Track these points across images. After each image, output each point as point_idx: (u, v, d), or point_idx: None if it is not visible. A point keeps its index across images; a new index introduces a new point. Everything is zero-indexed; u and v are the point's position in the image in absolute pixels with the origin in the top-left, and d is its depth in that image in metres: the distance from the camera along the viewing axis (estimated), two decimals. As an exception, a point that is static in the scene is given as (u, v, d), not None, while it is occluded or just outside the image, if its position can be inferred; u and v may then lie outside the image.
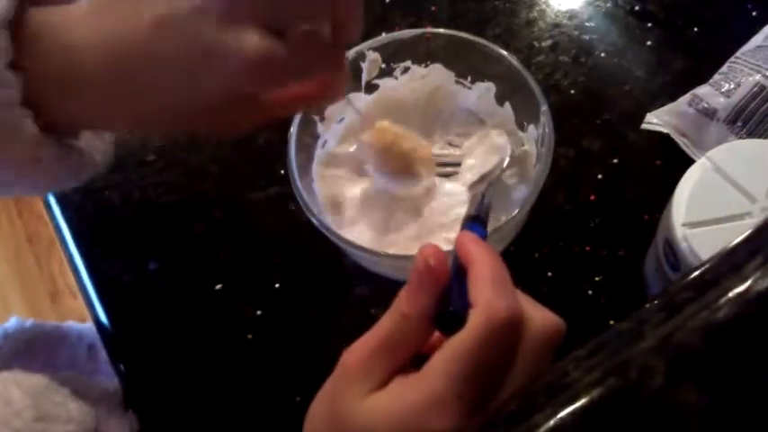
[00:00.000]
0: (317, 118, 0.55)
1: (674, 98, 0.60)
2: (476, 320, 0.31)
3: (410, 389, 0.31)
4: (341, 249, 0.53)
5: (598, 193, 0.59)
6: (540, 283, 0.56)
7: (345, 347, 0.34)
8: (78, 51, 0.38)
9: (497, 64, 0.54)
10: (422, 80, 0.58)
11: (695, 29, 0.66)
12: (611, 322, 0.53)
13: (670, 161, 0.59)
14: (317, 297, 0.57)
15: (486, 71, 0.56)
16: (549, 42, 0.67)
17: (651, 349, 0.25)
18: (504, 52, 0.53)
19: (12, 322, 0.63)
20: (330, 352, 0.34)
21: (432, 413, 0.30)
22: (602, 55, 0.65)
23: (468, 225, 0.43)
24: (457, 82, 0.58)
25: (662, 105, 0.60)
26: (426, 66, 0.57)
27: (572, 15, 0.68)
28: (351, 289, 0.57)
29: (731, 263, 0.26)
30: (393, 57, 0.56)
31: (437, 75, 0.57)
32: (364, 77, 0.56)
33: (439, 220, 0.55)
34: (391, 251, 0.51)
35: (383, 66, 0.56)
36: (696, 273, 0.27)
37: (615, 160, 0.60)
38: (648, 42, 0.66)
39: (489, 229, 0.47)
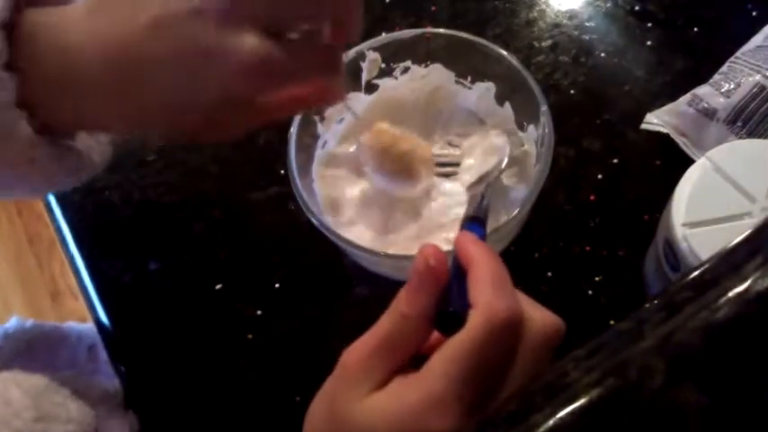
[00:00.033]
0: (317, 118, 0.55)
1: (673, 98, 0.60)
2: (475, 321, 0.31)
3: (410, 389, 0.31)
4: (341, 249, 0.53)
5: (598, 193, 0.59)
6: (539, 283, 0.56)
7: (345, 347, 0.34)
8: (75, 52, 0.38)
9: (497, 64, 0.54)
10: (422, 80, 0.58)
11: (695, 29, 0.66)
12: (611, 322, 0.53)
13: (670, 161, 0.59)
14: (316, 297, 0.57)
15: (486, 71, 0.56)
16: (548, 42, 0.67)
17: (651, 349, 0.26)
18: (504, 52, 0.53)
19: (12, 322, 0.63)
20: (330, 352, 0.34)
21: (431, 413, 0.30)
22: (602, 55, 0.66)
23: (468, 225, 0.43)
24: (457, 82, 0.58)
25: (662, 105, 0.60)
26: (426, 66, 0.57)
27: (572, 15, 0.68)
28: (351, 289, 0.57)
29: (731, 263, 0.26)
30: (393, 57, 0.56)
31: (437, 75, 0.57)
32: (364, 77, 0.56)
33: (439, 220, 0.55)
34: (391, 251, 0.51)
35: (383, 66, 0.56)
36: (696, 273, 0.27)
37: (615, 160, 0.60)
38: (648, 42, 0.66)
39: (489, 229, 0.47)
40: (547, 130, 0.50)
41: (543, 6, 0.69)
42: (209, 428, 0.53)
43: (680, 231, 0.44)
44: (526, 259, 0.57)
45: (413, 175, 0.54)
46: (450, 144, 0.59)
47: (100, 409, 0.51)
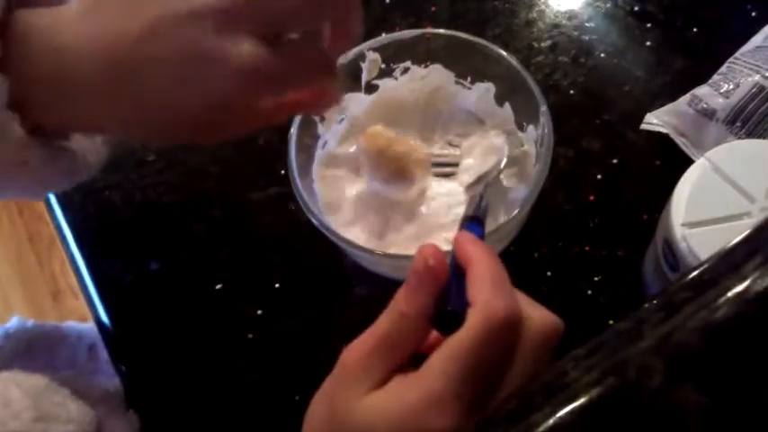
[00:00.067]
0: (317, 118, 0.55)
1: (673, 98, 0.60)
2: (474, 320, 0.31)
3: (409, 388, 0.31)
4: (341, 249, 0.53)
5: (597, 193, 0.59)
6: (539, 282, 0.56)
7: (345, 347, 0.34)
8: (68, 53, 0.38)
9: (497, 64, 0.54)
10: (421, 81, 0.58)
11: (694, 29, 0.66)
12: (611, 322, 0.53)
13: (669, 161, 0.59)
14: (317, 297, 0.57)
15: (485, 71, 0.56)
16: (548, 43, 0.67)
17: (650, 349, 0.26)
18: (504, 53, 0.53)
19: (13, 322, 0.63)
20: (330, 351, 0.34)
21: (431, 412, 0.30)
22: (602, 55, 0.66)
23: (467, 225, 0.43)
24: (456, 82, 0.58)
25: (661, 106, 0.60)
26: (426, 66, 0.57)
27: (571, 16, 0.68)
28: (351, 289, 0.57)
29: (730, 263, 0.26)
30: (393, 57, 0.56)
31: (437, 75, 0.58)
32: (364, 78, 0.56)
33: (438, 220, 0.55)
34: (391, 251, 0.52)
35: (383, 66, 0.56)
36: (695, 273, 0.27)
37: (615, 160, 0.60)
38: (648, 43, 0.66)
39: (488, 229, 0.47)
40: (546, 131, 0.50)
41: (543, 7, 0.69)
42: (210, 427, 0.53)
43: (679, 231, 0.44)
44: (526, 259, 0.57)
45: (408, 177, 0.54)
46: (450, 144, 0.59)
47: (100, 408, 0.51)
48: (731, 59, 0.58)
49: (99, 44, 0.38)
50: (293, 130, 0.52)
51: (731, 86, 0.55)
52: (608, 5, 0.68)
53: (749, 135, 0.55)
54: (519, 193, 0.55)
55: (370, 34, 0.56)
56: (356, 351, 0.33)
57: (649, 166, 0.60)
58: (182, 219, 0.61)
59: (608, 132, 0.62)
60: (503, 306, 0.31)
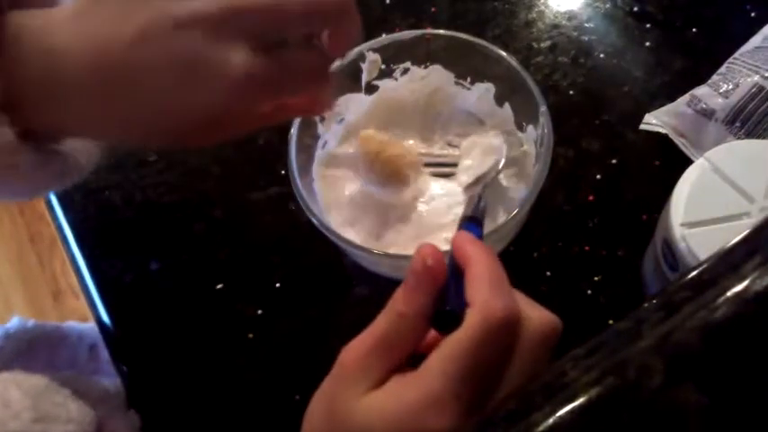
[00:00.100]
0: (317, 119, 0.55)
1: (672, 99, 0.60)
2: (473, 320, 0.31)
3: (408, 388, 0.32)
4: (341, 249, 0.53)
5: (597, 194, 0.59)
6: (539, 282, 0.56)
7: (344, 347, 0.34)
8: (60, 55, 0.38)
9: (497, 65, 0.54)
10: (421, 81, 0.58)
11: (694, 30, 0.66)
12: (610, 322, 0.53)
13: (669, 161, 0.59)
14: (317, 297, 0.57)
15: (485, 72, 0.56)
16: (548, 43, 0.67)
17: (649, 349, 0.26)
18: (504, 53, 0.53)
19: (14, 322, 0.63)
20: (330, 351, 0.34)
21: (429, 412, 0.31)
22: (601, 56, 0.66)
23: (465, 225, 0.43)
24: (456, 83, 0.58)
25: (661, 106, 0.61)
26: (426, 67, 0.57)
27: (571, 16, 0.68)
28: (351, 289, 0.57)
29: (729, 263, 0.26)
30: (393, 58, 0.56)
31: (437, 76, 0.58)
32: (364, 78, 0.57)
33: (438, 220, 0.55)
34: (391, 251, 0.52)
35: (383, 67, 0.56)
36: (694, 272, 0.27)
37: (614, 160, 0.60)
38: (647, 43, 0.66)
39: (488, 229, 0.47)
40: (546, 131, 0.50)
41: (542, 7, 0.69)
42: (210, 427, 0.53)
43: (678, 231, 0.44)
44: (525, 259, 0.57)
45: (402, 179, 0.54)
46: (450, 145, 0.59)
47: (100, 408, 0.51)
48: (730, 60, 0.58)
49: (90, 47, 0.37)
50: (293, 131, 0.52)
51: (730, 87, 0.55)
52: (607, 6, 0.68)
53: (748, 135, 0.55)
54: (518, 193, 0.55)
55: (370, 35, 0.56)
56: (354, 351, 0.33)
57: (649, 166, 0.60)
58: (182, 219, 0.61)
59: (607, 133, 0.62)
60: (501, 306, 0.31)
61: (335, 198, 0.56)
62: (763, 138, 0.54)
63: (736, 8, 0.67)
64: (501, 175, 0.56)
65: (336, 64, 0.52)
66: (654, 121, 0.60)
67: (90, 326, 0.70)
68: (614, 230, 0.57)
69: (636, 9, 0.68)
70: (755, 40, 0.59)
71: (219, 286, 0.58)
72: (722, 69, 0.58)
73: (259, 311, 0.57)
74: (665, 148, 0.59)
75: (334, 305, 0.56)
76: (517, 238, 0.54)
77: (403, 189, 0.55)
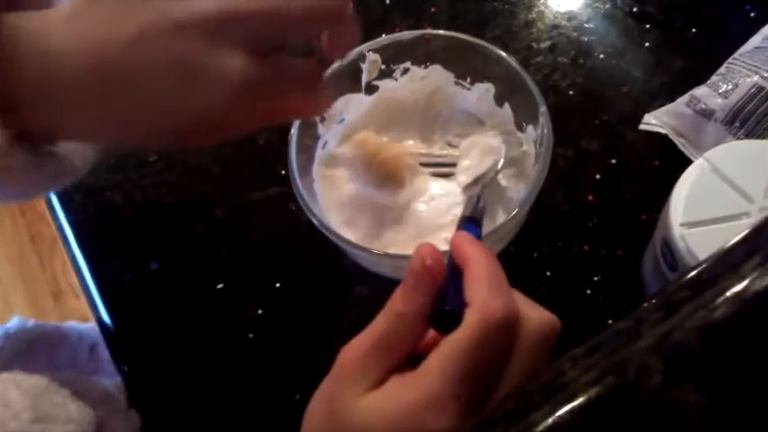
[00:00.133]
0: (317, 119, 0.55)
1: (672, 99, 0.60)
2: (472, 320, 0.31)
3: (407, 388, 0.32)
4: (341, 249, 0.53)
5: (596, 193, 0.59)
6: (538, 282, 0.56)
7: (343, 347, 0.34)
8: (56, 56, 0.38)
9: (496, 65, 0.54)
10: (421, 81, 0.58)
11: (693, 30, 0.66)
12: (610, 321, 0.53)
13: (668, 161, 0.59)
14: (317, 297, 0.57)
15: (485, 72, 0.56)
16: (547, 43, 0.67)
17: (649, 348, 0.26)
18: (503, 53, 0.53)
19: (14, 322, 0.63)
20: (330, 351, 0.34)
21: (429, 412, 0.31)
22: (601, 56, 0.66)
23: (464, 225, 0.43)
24: (456, 83, 0.58)
25: (660, 106, 0.61)
26: (426, 67, 0.57)
27: (571, 17, 0.68)
28: (351, 289, 0.57)
29: (728, 263, 0.27)
30: (393, 58, 0.56)
31: (436, 76, 0.58)
32: (364, 79, 0.57)
33: (437, 220, 0.55)
34: (391, 251, 0.52)
35: (383, 67, 0.57)
36: (693, 272, 0.27)
37: (614, 160, 0.60)
38: (647, 43, 0.66)
39: (488, 229, 0.47)
40: (546, 131, 0.51)
41: (542, 8, 0.69)
42: (211, 426, 0.54)
43: (678, 231, 0.44)
44: (525, 259, 0.57)
45: (398, 181, 0.54)
46: (450, 145, 0.59)
47: (100, 408, 0.51)
48: (730, 60, 0.58)
49: (87, 47, 0.37)
50: (294, 131, 0.52)
51: (730, 87, 0.56)
52: (607, 6, 0.68)
53: (748, 135, 0.55)
54: (518, 193, 0.55)
55: (369, 35, 0.56)
56: (354, 351, 0.33)
57: (648, 166, 0.60)
58: (182, 219, 0.61)
59: (607, 133, 0.62)
60: (500, 306, 0.31)
61: (335, 198, 0.56)
62: (763, 138, 0.54)
63: (735, 8, 0.67)
64: (500, 176, 0.56)
65: (336, 65, 0.52)
66: (653, 121, 0.60)
67: (90, 326, 0.70)
68: (614, 230, 0.57)
69: (635, 9, 0.68)
70: (755, 41, 0.59)
71: (220, 286, 0.58)
72: (722, 70, 0.58)
73: (259, 311, 0.57)
74: (665, 148, 0.59)
75: (335, 305, 0.56)
76: (517, 238, 0.54)
77: (400, 190, 0.55)
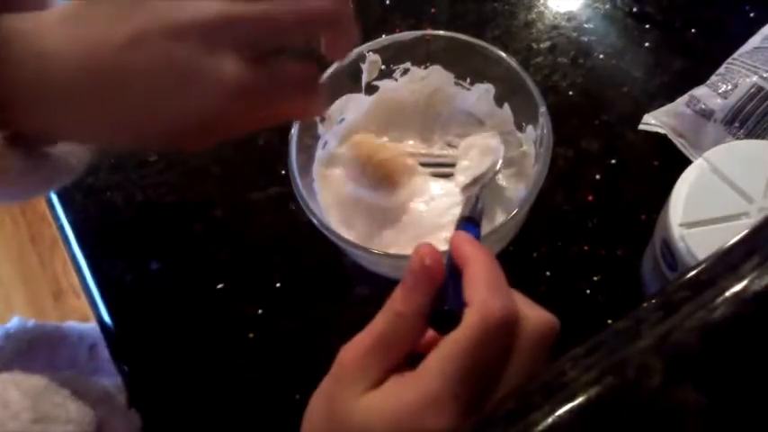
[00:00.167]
0: (317, 119, 0.55)
1: (671, 99, 0.60)
2: (471, 320, 0.31)
3: (406, 388, 0.32)
4: (341, 249, 0.53)
5: (596, 194, 0.59)
6: (538, 282, 0.56)
7: (342, 346, 0.34)
8: (50, 58, 0.38)
9: (496, 65, 0.54)
10: (421, 82, 0.58)
11: (693, 30, 0.66)
12: (609, 321, 0.53)
13: (668, 161, 0.59)
14: (317, 297, 0.57)
15: (485, 73, 0.56)
16: (547, 44, 0.67)
17: (648, 348, 0.26)
18: (503, 54, 0.53)
19: (14, 322, 0.63)
20: (330, 351, 0.34)
21: (428, 412, 0.31)
22: (601, 56, 0.66)
23: (463, 226, 0.43)
24: (456, 83, 0.58)
25: (660, 106, 0.61)
26: (426, 67, 0.57)
27: (570, 17, 0.68)
28: (351, 289, 0.57)
29: (728, 263, 0.27)
30: (393, 58, 0.57)
31: (436, 76, 0.58)
32: (364, 79, 0.57)
33: (437, 220, 0.55)
34: (391, 251, 0.52)
35: (383, 67, 0.57)
36: (693, 272, 0.27)
37: (613, 161, 0.60)
38: (646, 44, 0.66)
39: (488, 229, 0.47)
40: (545, 131, 0.51)
41: (542, 8, 0.69)
42: (211, 426, 0.54)
43: (677, 231, 0.44)
44: (525, 259, 0.57)
45: (394, 182, 0.54)
46: (450, 145, 0.59)
47: (100, 408, 0.51)
48: (729, 60, 0.58)
49: (81, 49, 0.38)
50: (294, 131, 0.52)
51: (729, 87, 0.56)
52: (607, 7, 0.69)
53: (747, 135, 0.55)
54: (518, 193, 0.55)
55: (370, 36, 0.56)
56: (353, 351, 0.33)
57: (648, 166, 0.60)
58: (182, 219, 0.61)
59: (607, 133, 0.62)
60: (499, 306, 0.32)
61: (335, 198, 0.56)
62: (762, 138, 0.54)
63: (735, 9, 0.67)
64: (500, 176, 0.56)
65: (335, 65, 0.52)
66: (653, 121, 0.60)
67: (90, 326, 0.70)
68: (613, 230, 0.57)
69: (635, 10, 0.68)
70: (754, 41, 0.59)
71: (220, 286, 0.58)
72: (721, 70, 0.58)
73: (259, 311, 0.57)
74: (664, 148, 0.59)
75: (335, 305, 0.57)
76: (517, 238, 0.54)
77: (396, 191, 0.55)
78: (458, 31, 0.55)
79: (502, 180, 0.56)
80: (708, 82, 0.58)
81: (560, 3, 0.69)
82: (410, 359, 0.34)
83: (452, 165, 0.58)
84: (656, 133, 0.60)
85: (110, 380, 0.57)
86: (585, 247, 0.57)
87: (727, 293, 0.25)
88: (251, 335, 0.56)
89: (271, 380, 0.54)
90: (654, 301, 0.27)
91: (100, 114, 0.40)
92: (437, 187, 0.57)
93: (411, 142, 0.59)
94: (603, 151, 0.61)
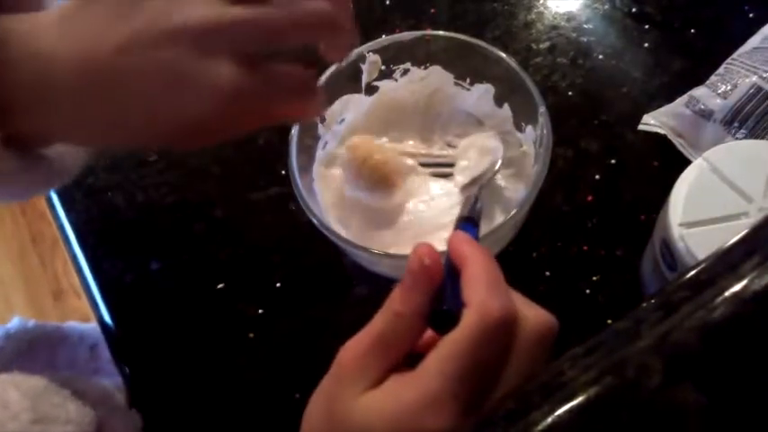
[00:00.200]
0: (317, 119, 0.55)
1: (671, 99, 0.60)
2: (469, 320, 0.31)
3: (406, 388, 0.32)
4: (341, 249, 0.53)
5: (596, 194, 0.59)
6: (538, 282, 0.56)
7: (342, 346, 0.34)
8: (47, 59, 0.38)
9: (496, 66, 0.54)
10: (421, 82, 0.58)
11: (692, 30, 0.66)
12: (609, 321, 0.53)
13: (667, 162, 0.59)
14: (317, 297, 0.57)
15: (484, 73, 0.56)
16: (547, 44, 0.67)
17: (648, 348, 0.26)
18: (503, 54, 0.53)
19: (14, 323, 0.63)
20: (330, 351, 0.34)
21: (428, 412, 0.31)
22: (600, 57, 0.66)
23: (461, 226, 0.43)
24: (456, 84, 0.58)
25: (659, 107, 0.61)
26: (426, 68, 0.57)
27: (570, 17, 0.68)
28: (351, 289, 0.57)
29: (727, 262, 0.27)
30: (393, 59, 0.57)
31: (436, 76, 0.58)
32: (364, 79, 0.57)
33: (437, 220, 0.55)
34: (390, 251, 0.52)
35: (383, 68, 0.57)
36: (692, 272, 0.27)
37: (613, 161, 0.60)
38: (646, 44, 0.66)
39: (488, 229, 0.47)
40: (545, 131, 0.51)
41: (541, 9, 0.69)
42: (212, 425, 0.54)
43: (677, 231, 0.44)
44: (524, 259, 0.57)
45: (391, 184, 0.54)
46: (449, 145, 0.59)
47: (100, 408, 0.51)
48: (728, 60, 0.58)
49: (77, 51, 0.37)
50: (294, 131, 0.52)
51: (729, 87, 0.56)
52: (606, 7, 0.69)
53: (747, 136, 0.55)
54: (518, 193, 0.55)
55: (370, 36, 0.56)
56: (352, 350, 0.34)
57: (647, 166, 0.60)
58: (182, 219, 0.61)
59: (606, 133, 0.62)
60: (498, 306, 0.31)
61: (335, 198, 0.56)
62: (762, 138, 0.54)
63: (734, 9, 0.67)
64: (500, 176, 0.56)
65: (334, 67, 0.52)
66: (652, 121, 0.60)
67: (90, 326, 0.70)
68: (613, 230, 0.57)
69: (634, 10, 0.68)
70: (754, 41, 0.59)
71: (220, 286, 0.58)
72: (720, 70, 0.58)
73: (260, 311, 0.57)
74: (664, 148, 0.60)
75: (335, 305, 0.57)
76: (516, 238, 0.54)
77: (394, 192, 0.55)
78: (457, 31, 0.55)
79: (501, 180, 0.56)
80: (707, 82, 0.58)
81: (560, 3, 0.69)
82: (409, 359, 0.34)
83: (452, 165, 0.58)
84: (656, 133, 0.60)
85: (110, 380, 0.57)
86: (585, 248, 0.57)
87: (727, 293, 0.25)
88: (251, 335, 0.56)
89: (271, 380, 0.54)
90: (653, 301, 0.27)
91: (96, 116, 0.40)
92: (437, 187, 0.57)
93: (411, 142, 0.59)
94: (603, 151, 0.61)
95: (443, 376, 0.31)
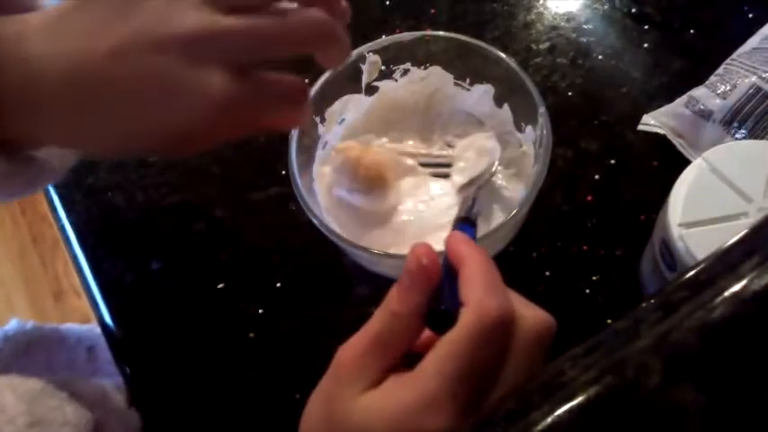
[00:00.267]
0: (317, 119, 0.55)
1: (670, 100, 0.60)
2: (467, 320, 0.31)
3: (405, 388, 0.32)
4: (341, 249, 0.53)
5: (595, 194, 0.59)
6: (537, 282, 0.56)
7: (340, 346, 0.34)
8: (35, 62, 0.37)
9: (496, 66, 0.54)
10: (421, 82, 0.58)
11: (692, 31, 0.66)
12: (609, 321, 0.53)
13: (667, 162, 0.59)
14: (317, 296, 0.57)
15: (484, 73, 0.56)
16: (546, 45, 0.67)
17: (648, 348, 0.26)
18: (503, 54, 0.53)
19: (12, 324, 0.63)
20: (330, 351, 0.34)
21: (426, 413, 0.31)
22: (600, 57, 0.66)
23: (459, 226, 0.43)
24: (456, 84, 0.58)
25: (659, 107, 0.61)
26: (425, 68, 0.57)
27: (569, 18, 0.68)
28: (351, 289, 0.57)
29: (727, 263, 0.27)
30: (393, 59, 0.57)
31: (436, 77, 0.58)
32: (364, 79, 0.57)
33: (437, 220, 0.55)
34: (390, 251, 0.52)
35: (383, 68, 0.57)
36: (692, 272, 0.27)
37: (612, 161, 0.61)
38: (645, 44, 0.66)
39: (487, 230, 0.47)
40: (545, 132, 0.51)
41: (541, 9, 0.69)
42: (212, 425, 0.54)
43: (676, 231, 0.44)
44: (524, 259, 0.57)
45: (382, 187, 0.54)
46: (449, 145, 0.59)
47: (98, 410, 0.51)
48: (728, 61, 0.59)
49: (65, 56, 0.37)
50: (294, 131, 0.52)
51: (728, 88, 0.56)
52: (606, 7, 0.69)
53: (746, 136, 0.55)
54: (517, 193, 0.55)
55: (370, 36, 0.56)
56: (350, 350, 0.34)
57: (647, 166, 0.60)
58: (183, 219, 0.61)
59: (606, 133, 0.62)
60: (495, 306, 0.32)
61: (335, 198, 0.56)
62: (761, 138, 0.54)
63: (733, 9, 0.67)
64: (500, 176, 0.56)
65: (329, 73, 0.52)
66: (652, 121, 0.60)
67: (88, 327, 0.70)
68: (613, 230, 0.57)
69: (634, 10, 0.68)
70: (753, 41, 0.59)
71: (220, 286, 0.58)
72: (720, 70, 0.58)
73: (260, 311, 0.57)
74: (664, 148, 0.60)
75: (335, 305, 0.57)
76: (516, 238, 0.54)
77: (390, 192, 0.55)
78: (457, 31, 0.55)
79: (501, 180, 0.56)
80: (707, 82, 0.58)
81: (559, 4, 0.69)
82: (407, 359, 0.34)
83: (451, 165, 0.58)
84: (656, 134, 0.60)
85: (109, 381, 0.57)
86: (585, 248, 0.57)
87: (727, 293, 0.25)
88: (251, 335, 0.56)
89: (271, 380, 0.55)
90: (653, 300, 0.28)
91: (84, 123, 0.39)
92: (437, 187, 0.57)
93: (411, 142, 0.59)
94: (603, 152, 0.61)
95: (442, 376, 0.31)
